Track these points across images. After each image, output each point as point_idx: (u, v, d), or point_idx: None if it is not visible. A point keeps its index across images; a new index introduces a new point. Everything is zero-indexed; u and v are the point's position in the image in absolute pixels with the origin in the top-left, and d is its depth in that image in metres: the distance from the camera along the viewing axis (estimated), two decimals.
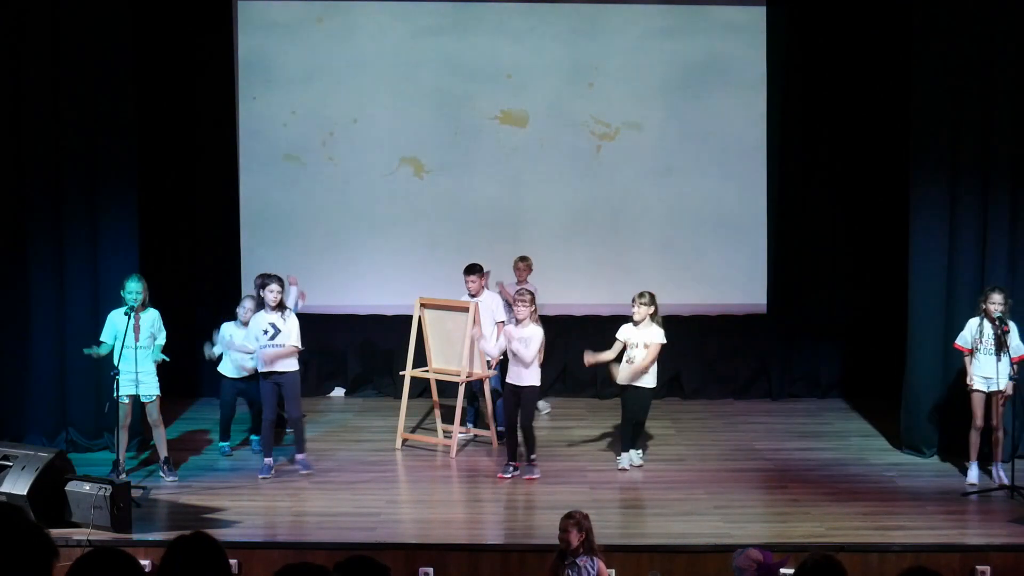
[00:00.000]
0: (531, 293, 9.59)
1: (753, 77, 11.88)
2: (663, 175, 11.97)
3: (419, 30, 11.89)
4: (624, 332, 9.58)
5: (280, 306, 9.32)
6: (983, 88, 9.68)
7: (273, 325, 9.27)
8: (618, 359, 9.59)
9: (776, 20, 11.84)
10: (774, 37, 11.86)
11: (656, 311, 9.57)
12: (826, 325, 11.78)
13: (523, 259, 11.24)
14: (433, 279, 11.41)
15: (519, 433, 9.51)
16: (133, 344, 8.93)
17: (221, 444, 10.13)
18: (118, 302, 9.14)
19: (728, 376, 12.12)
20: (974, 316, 9.21)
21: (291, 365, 9.37)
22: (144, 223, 10.48)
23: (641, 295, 9.57)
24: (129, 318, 8.89)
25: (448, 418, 10.41)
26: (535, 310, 9.52)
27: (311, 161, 11.97)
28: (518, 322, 9.44)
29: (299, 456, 9.55)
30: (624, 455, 9.67)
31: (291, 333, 9.30)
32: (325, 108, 11.93)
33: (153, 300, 9.20)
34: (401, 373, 10.49)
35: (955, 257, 9.81)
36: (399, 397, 10.55)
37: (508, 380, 9.61)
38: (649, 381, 9.57)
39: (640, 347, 9.48)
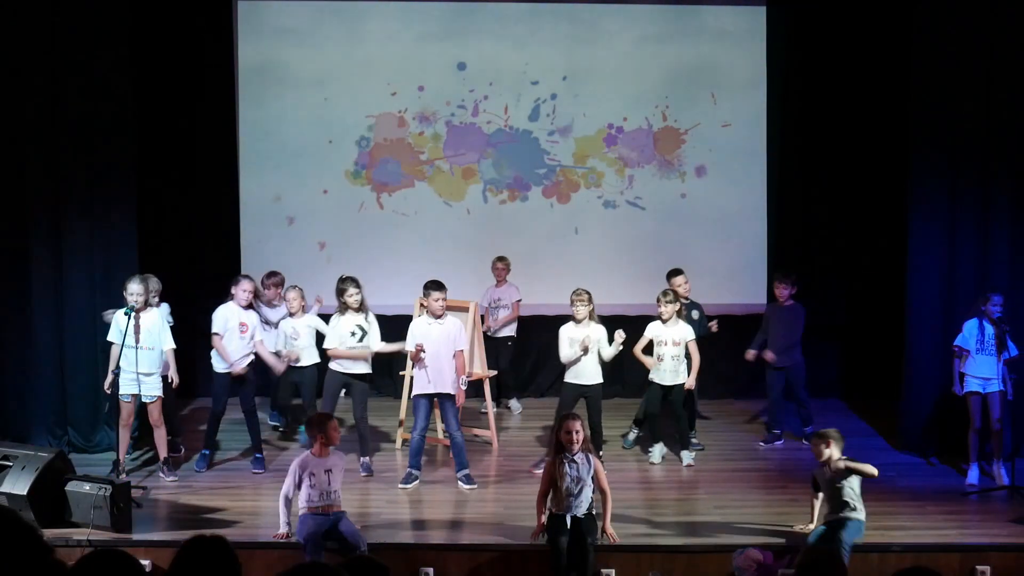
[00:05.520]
0: (588, 292, 9.42)
1: (753, 77, 11.90)
2: (663, 175, 11.99)
3: (419, 33, 11.90)
4: (653, 330, 9.72)
5: (362, 307, 9.42)
6: (983, 88, 9.67)
7: (360, 327, 9.43)
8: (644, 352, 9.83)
9: (776, 20, 11.86)
10: (774, 37, 11.87)
11: (682, 308, 9.83)
12: (825, 325, 11.74)
13: (501, 259, 11.24)
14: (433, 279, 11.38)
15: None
16: (134, 344, 8.95)
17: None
18: (118, 303, 9.18)
19: (728, 376, 12.11)
20: (971, 318, 9.24)
21: (367, 367, 9.51)
22: (144, 223, 10.49)
23: (665, 293, 9.76)
24: (129, 318, 8.92)
25: None
26: (593, 309, 9.42)
27: (311, 161, 11.99)
28: (576, 323, 9.40)
29: (363, 459, 9.56)
30: (655, 447, 9.85)
31: (374, 335, 9.48)
32: (325, 109, 11.95)
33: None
34: (401, 373, 10.49)
35: (954, 257, 9.81)
36: (399, 397, 10.56)
37: (568, 379, 9.46)
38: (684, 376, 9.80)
39: (669, 344, 9.64)
